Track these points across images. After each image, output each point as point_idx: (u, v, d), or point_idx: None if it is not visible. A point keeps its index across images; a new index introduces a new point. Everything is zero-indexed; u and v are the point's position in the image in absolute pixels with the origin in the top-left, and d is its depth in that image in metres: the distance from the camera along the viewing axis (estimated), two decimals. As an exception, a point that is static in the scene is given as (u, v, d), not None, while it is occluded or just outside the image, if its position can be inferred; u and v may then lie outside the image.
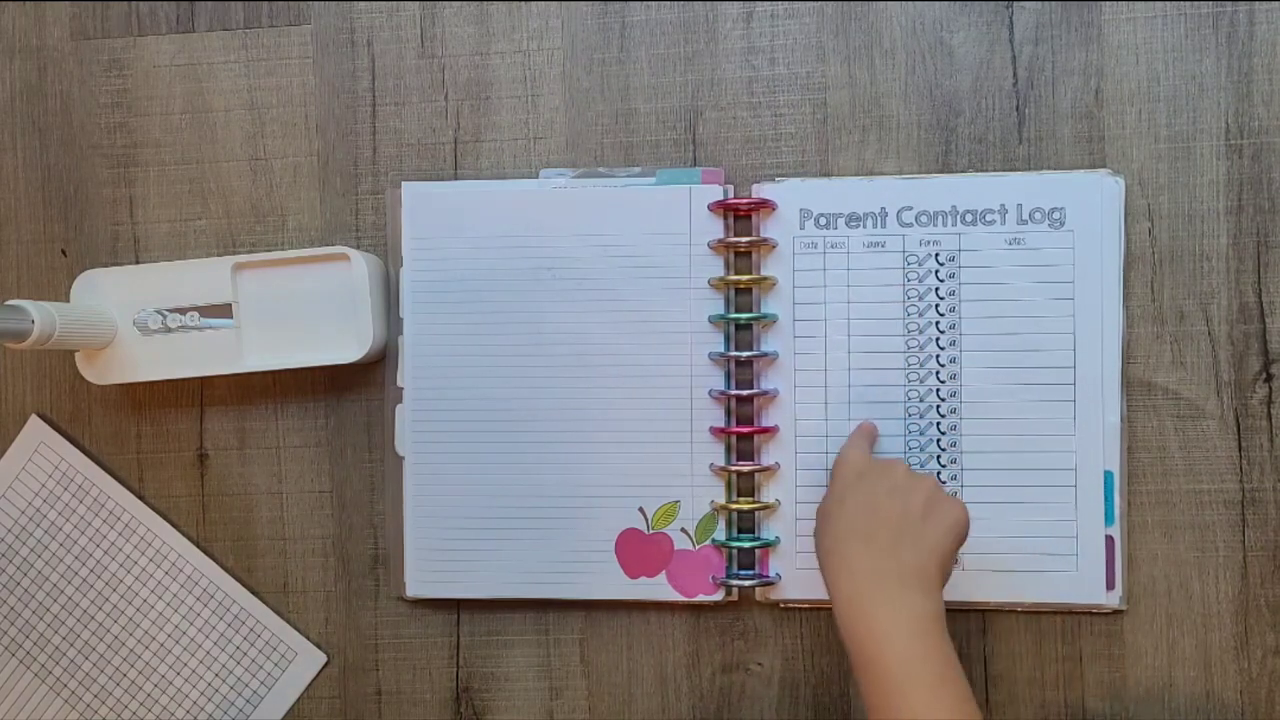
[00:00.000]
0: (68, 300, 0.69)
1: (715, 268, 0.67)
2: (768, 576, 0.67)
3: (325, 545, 0.72)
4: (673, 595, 0.68)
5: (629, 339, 0.68)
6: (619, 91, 0.70)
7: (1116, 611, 0.66)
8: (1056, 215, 0.65)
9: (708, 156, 0.69)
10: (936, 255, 0.66)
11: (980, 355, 0.66)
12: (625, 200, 0.68)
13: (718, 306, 0.67)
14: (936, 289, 0.66)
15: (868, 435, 0.65)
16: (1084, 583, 0.65)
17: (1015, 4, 0.67)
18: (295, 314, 0.68)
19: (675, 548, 0.68)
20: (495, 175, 0.70)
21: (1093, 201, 0.65)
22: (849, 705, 0.68)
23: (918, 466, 0.66)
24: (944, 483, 0.66)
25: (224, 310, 0.68)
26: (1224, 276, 0.66)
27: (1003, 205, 0.66)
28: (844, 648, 0.54)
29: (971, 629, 0.67)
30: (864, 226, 0.67)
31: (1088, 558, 0.65)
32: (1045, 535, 0.65)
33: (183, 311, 0.68)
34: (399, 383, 0.69)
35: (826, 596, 0.67)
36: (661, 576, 0.68)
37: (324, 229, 0.71)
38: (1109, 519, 0.65)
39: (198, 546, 0.72)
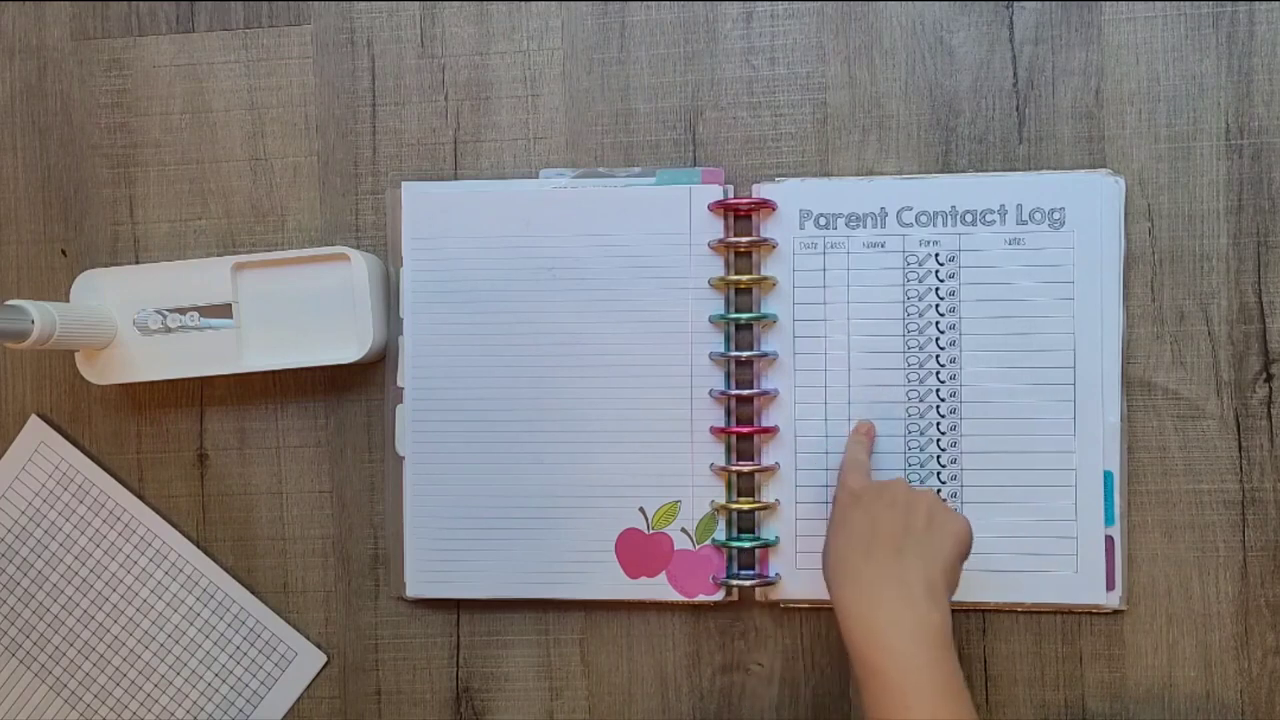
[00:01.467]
0: (68, 300, 0.69)
1: (715, 268, 0.67)
2: (768, 576, 0.67)
3: (325, 545, 0.72)
4: (673, 595, 0.68)
5: (629, 339, 0.68)
6: (619, 91, 0.69)
7: (1116, 611, 0.66)
8: (1057, 216, 0.65)
9: (708, 156, 0.69)
10: (936, 255, 0.66)
11: (980, 355, 0.66)
12: (625, 200, 0.68)
13: (718, 306, 0.67)
14: (936, 289, 0.66)
15: (865, 446, 0.65)
16: (1084, 583, 0.65)
17: (1015, 4, 0.67)
18: (295, 314, 0.68)
19: (675, 548, 0.68)
20: (495, 175, 0.70)
21: (1093, 202, 0.65)
22: (849, 705, 0.68)
23: (917, 466, 0.66)
24: (943, 483, 0.66)
25: (224, 310, 0.68)
26: (1224, 276, 0.66)
27: (1002, 205, 0.66)
28: (850, 660, 0.54)
29: (971, 629, 0.67)
30: (864, 227, 0.67)
31: (1087, 558, 0.65)
32: (1045, 536, 0.65)
33: (183, 311, 0.68)
34: (399, 383, 0.69)
35: (825, 596, 0.67)
36: (661, 576, 0.68)
37: (324, 229, 0.71)
38: (1109, 519, 0.65)
39: (198, 546, 0.72)
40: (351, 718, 0.72)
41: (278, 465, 0.72)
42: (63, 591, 0.73)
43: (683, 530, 0.68)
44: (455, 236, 0.69)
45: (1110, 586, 0.66)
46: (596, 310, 0.68)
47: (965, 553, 0.57)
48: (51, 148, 0.73)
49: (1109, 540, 0.65)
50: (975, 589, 0.66)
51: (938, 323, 0.66)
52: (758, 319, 0.67)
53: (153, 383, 0.70)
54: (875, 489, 0.59)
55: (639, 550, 0.68)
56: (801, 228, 0.67)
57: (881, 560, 0.55)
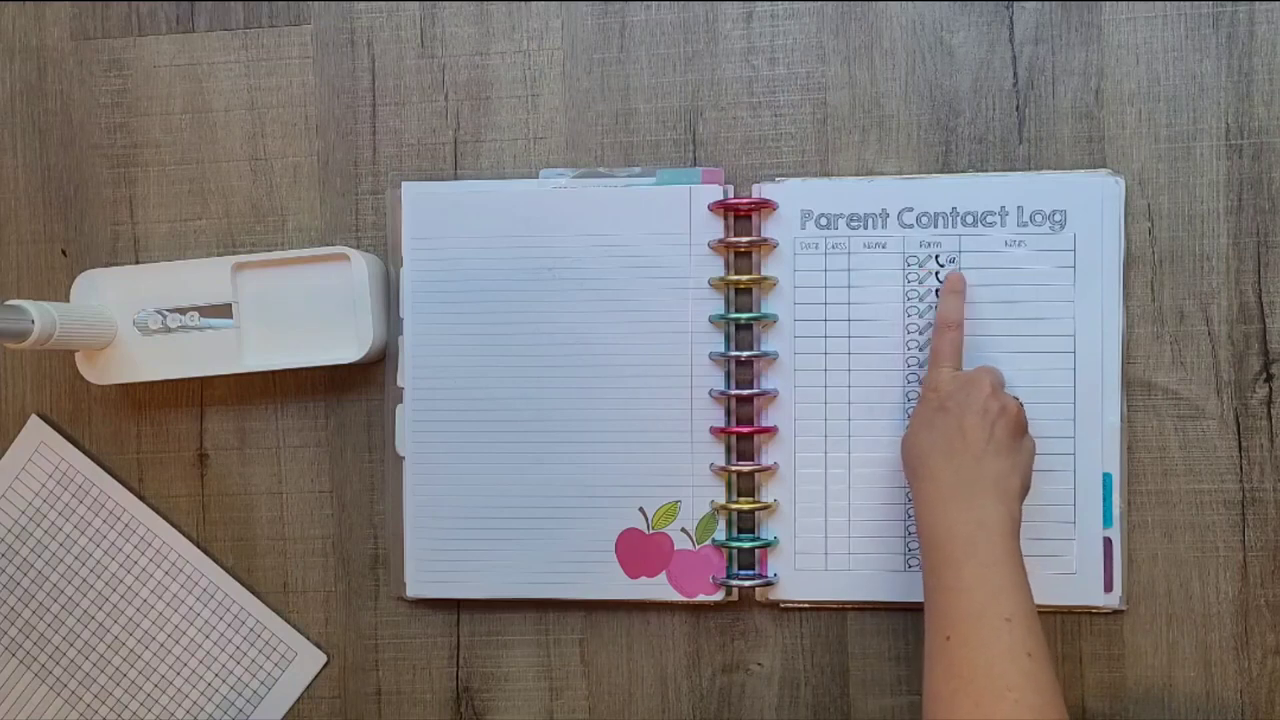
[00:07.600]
0: (68, 300, 0.69)
1: (715, 268, 0.67)
2: (767, 576, 0.67)
3: (325, 545, 0.72)
4: (673, 595, 0.68)
5: (629, 339, 0.68)
6: (619, 91, 0.69)
7: (1116, 612, 0.66)
8: (1057, 218, 0.65)
9: (708, 156, 0.69)
10: (937, 257, 0.66)
11: (980, 356, 0.66)
12: (625, 200, 0.68)
13: (718, 306, 0.67)
14: (937, 290, 0.66)
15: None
16: (1082, 585, 0.65)
17: (1015, 4, 0.67)
18: (295, 314, 0.68)
19: (675, 548, 0.68)
20: (495, 175, 0.70)
21: (1093, 202, 0.65)
22: (849, 705, 0.68)
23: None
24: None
25: (224, 310, 0.68)
26: (1224, 276, 0.66)
27: (1003, 207, 0.66)
28: (921, 551, 0.57)
29: (971, 629, 0.67)
30: (865, 227, 0.66)
31: (1086, 560, 0.65)
32: (1044, 537, 0.65)
33: (183, 311, 0.68)
34: (399, 383, 0.69)
35: (825, 597, 0.68)
36: (661, 576, 0.68)
37: (324, 229, 0.71)
38: (1107, 521, 0.65)
39: (198, 546, 0.72)
40: (351, 718, 0.72)
41: (278, 465, 0.72)
42: (63, 591, 0.73)
43: (683, 530, 0.68)
44: (455, 236, 0.69)
45: (1108, 588, 0.66)
46: (596, 310, 0.68)
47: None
48: (51, 148, 0.73)
49: (1107, 542, 0.65)
50: (975, 589, 0.66)
51: (938, 323, 0.66)
52: (758, 319, 0.67)
53: (153, 383, 0.70)
54: (963, 391, 0.60)
55: (639, 550, 0.68)
56: (803, 228, 0.67)
57: (961, 464, 0.58)
